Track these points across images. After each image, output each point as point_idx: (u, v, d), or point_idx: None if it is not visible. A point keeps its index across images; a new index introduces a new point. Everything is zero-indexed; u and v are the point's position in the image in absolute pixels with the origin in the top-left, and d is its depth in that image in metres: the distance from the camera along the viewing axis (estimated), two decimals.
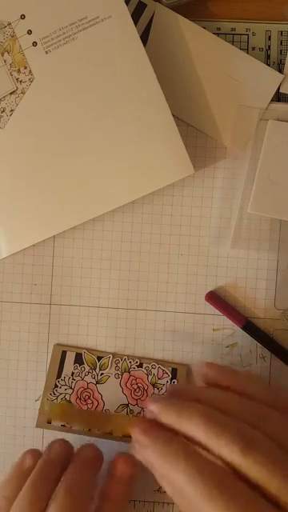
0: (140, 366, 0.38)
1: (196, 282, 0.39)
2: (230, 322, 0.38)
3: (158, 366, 0.38)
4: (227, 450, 0.26)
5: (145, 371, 0.38)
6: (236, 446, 0.25)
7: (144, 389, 0.38)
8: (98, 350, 0.39)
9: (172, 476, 0.26)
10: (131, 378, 0.38)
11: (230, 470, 0.25)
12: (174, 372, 0.38)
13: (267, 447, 0.26)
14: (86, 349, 0.39)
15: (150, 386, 0.38)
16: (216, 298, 0.38)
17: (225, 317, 0.38)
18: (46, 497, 0.30)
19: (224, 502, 0.24)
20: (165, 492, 0.38)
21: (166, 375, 0.38)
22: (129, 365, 0.38)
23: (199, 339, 0.39)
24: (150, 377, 0.38)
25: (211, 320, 0.39)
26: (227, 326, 0.39)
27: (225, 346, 0.39)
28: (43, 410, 0.38)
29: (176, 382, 0.38)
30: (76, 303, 0.39)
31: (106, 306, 0.39)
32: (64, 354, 0.39)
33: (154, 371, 0.38)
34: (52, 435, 0.39)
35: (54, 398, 0.38)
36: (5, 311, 0.40)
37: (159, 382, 0.38)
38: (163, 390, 0.38)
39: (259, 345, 0.38)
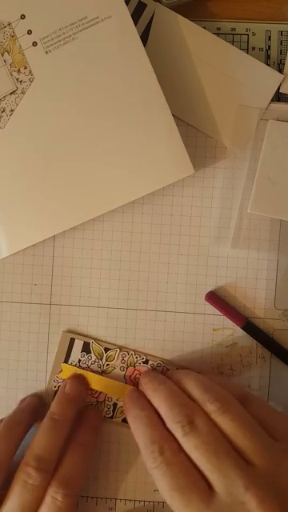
0: (146, 362, 0.39)
1: (196, 282, 0.39)
2: (230, 322, 0.38)
3: (163, 365, 0.39)
4: (174, 429, 0.31)
5: (149, 367, 0.39)
6: (180, 428, 0.31)
7: None
8: (105, 342, 0.39)
9: (135, 436, 0.33)
10: (136, 372, 0.39)
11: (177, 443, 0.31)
12: None
13: (206, 435, 0.30)
14: (94, 339, 0.39)
15: None
16: (216, 298, 0.38)
17: (225, 317, 0.38)
18: (16, 439, 0.35)
19: (163, 466, 0.30)
20: None
21: None
22: (135, 360, 0.39)
23: (199, 339, 0.39)
24: None
25: (211, 320, 0.39)
26: (227, 326, 0.39)
27: (225, 346, 0.39)
28: (50, 390, 0.39)
29: None
30: (76, 303, 0.39)
31: (106, 306, 0.39)
32: (72, 341, 0.39)
33: (159, 369, 0.38)
34: None
35: (60, 381, 0.39)
36: (5, 311, 0.40)
37: None
38: None
39: (259, 345, 0.38)
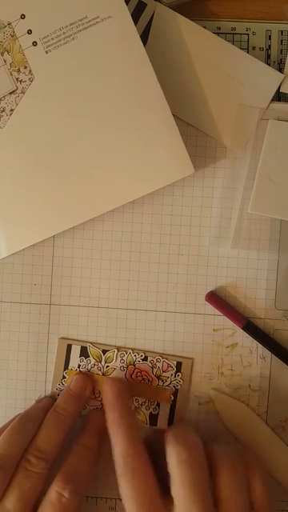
0: (145, 359, 0.39)
1: (196, 282, 0.39)
2: (231, 322, 0.38)
3: (162, 360, 0.38)
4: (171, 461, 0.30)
5: (149, 364, 0.39)
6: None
7: (149, 381, 0.39)
8: (102, 344, 0.39)
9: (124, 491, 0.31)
10: (136, 370, 0.39)
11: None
12: (179, 365, 0.38)
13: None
14: (91, 343, 0.39)
15: (155, 378, 0.39)
16: (216, 298, 0.38)
17: (225, 317, 0.38)
18: (28, 433, 0.35)
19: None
20: None
21: (170, 368, 0.38)
22: (134, 358, 0.39)
23: (199, 339, 0.39)
24: (154, 370, 0.39)
25: (211, 320, 0.39)
26: (227, 326, 0.39)
27: (225, 347, 0.39)
28: (53, 398, 0.39)
29: (180, 376, 0.38)
30: (76, 303, 0.39)
31: (105, 306, 0.39)
32: (69, 347, 0.39)
33: (159, 364, 0.39)
34: None
35: (62, 388, 0.39)
36: (4, 311, 0.40)
37: (164, 374, 0.39)
38: (167, 383, 0.38)
39: (259, 345, 0.38)
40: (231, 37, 0.39)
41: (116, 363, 0.39)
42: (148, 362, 0.39)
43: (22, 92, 0.36)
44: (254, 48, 0.39)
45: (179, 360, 0.39)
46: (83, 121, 0.36)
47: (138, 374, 0.39)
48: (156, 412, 0.38)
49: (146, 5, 0.38)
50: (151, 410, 0.38)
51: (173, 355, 0.39)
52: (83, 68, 0.36)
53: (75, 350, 0.39)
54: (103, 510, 0.39)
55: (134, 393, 0.39)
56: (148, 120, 0.36)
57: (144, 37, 0.38)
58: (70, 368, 0.39)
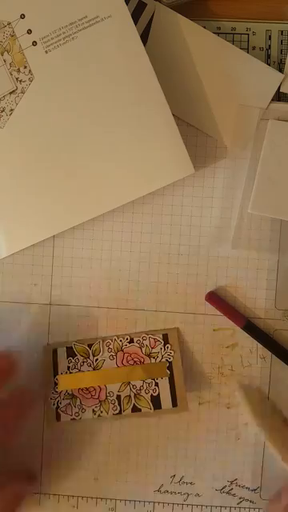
0: (131, 341, 0.39)
1: (196, 282, 0.39)
2: (231, 322, 0.38)
3: (148, 337, 0.38)
4: None
5: (137, 345, 0.39)
6: None
7: (141, 362, 0.38)
8: (87, 338, 0.39)
9: None
10: (126, 354, 0.38)
11: None
12: (166, 338, 0.38)
13: None
14: (76, 340, 0.39)
15: (146, 357, 0.38)
16: (216, 298, 0.38)
17: (225, 317, 0.38)
18: None
19: None
20: (165, 492, 0.38)
21: (158, 343, 0.38)
22: (120, 343, 0.38)
23: (199, 339, 0.39)
24: (143, 349, 0.38)
25: (211, 320, 0.39)
26: (227, 327, 0.39)
27: (225, 347, 0.39)
28: (49, 408, 0.38)
29: (169, 347, 0.38)
30: (76, 303, 0.39)
31: (105, 306, 0.39)
32: (55, 351, 0.39)
33: (146, 342, 0.38)
34: (50, 436, 0.39)
35: (56, 396, 0.38)
36: (5, 311, 0.39)
37: (153, 351, 0.38)
38: (159, 359, 0.38)
39: (259, 345, 0.38)
40: (231, 37, 0.39)
41: (104, 354, 0.39)
42: (135, 343, 0.38)
43: (22, 92, 0.36)
44: (254, 48, 0.39)
45: (164, 332, 0.38)
46: (83, 120, 0.36)
47: (129, 357, 0.38)
48: (156, 393, 0.38)
49: (146, 5, 0.38)
50: (151, 392, 0.38)
51: (157, 330, 0.38)
52: (83, 68, 0.36)
53: (61, 353, 0.39)
54: (103, 511, 0.39)
55: (130, 378, 0.38)
56: (148, 120, 0.36)
57: (144, 37, 0.38)
58: (60, 373, 0.38)
